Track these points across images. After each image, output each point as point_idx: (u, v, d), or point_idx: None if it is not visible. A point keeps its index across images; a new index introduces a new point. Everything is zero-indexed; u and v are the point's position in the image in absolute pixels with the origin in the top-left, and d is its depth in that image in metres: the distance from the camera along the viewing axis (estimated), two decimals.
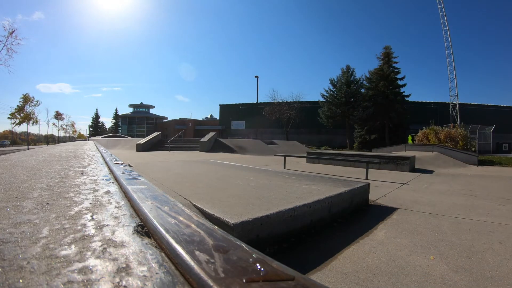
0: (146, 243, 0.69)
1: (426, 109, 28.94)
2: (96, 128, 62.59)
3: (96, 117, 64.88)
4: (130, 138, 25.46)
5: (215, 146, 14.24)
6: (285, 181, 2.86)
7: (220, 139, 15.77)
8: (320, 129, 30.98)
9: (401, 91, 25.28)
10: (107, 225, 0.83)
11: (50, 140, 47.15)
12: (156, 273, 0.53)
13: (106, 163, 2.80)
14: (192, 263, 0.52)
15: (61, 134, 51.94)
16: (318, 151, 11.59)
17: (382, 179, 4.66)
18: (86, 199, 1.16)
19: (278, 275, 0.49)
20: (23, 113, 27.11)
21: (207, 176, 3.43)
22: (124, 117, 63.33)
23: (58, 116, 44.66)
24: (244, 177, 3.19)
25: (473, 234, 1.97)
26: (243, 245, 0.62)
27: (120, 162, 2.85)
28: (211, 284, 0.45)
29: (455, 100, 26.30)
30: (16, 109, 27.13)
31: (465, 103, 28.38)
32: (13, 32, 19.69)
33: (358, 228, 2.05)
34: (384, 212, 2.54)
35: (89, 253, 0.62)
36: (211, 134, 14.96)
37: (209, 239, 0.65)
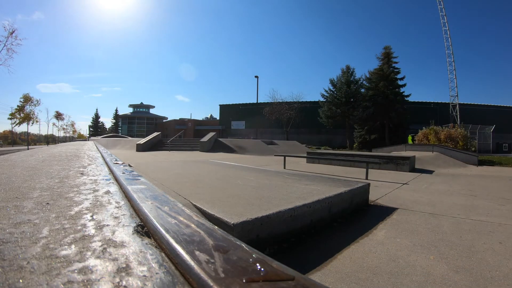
0: (146, 243, 0.69)
1: (426, 109, 28.93)
2: (96, 128, 62.60)
3: (96, 117, 64.91)
4: (130, 138, 25.46)
5: (215, 146, 14.24)
6: (285, 181, 2.86)
7: (220, 139, 15.77)
8: (320, 129, 30.98)
9: (401, 91, 25.28)
10: (107, 225, 0.83)
11: (50, 140, 47.17)
12: (156, 273, 0.53)
13: (106, 163, 2.80)
14: (192, 263, 0.52)
15: (61, 134, 52.02)
16: (318, 151, 11.59)
17: (382, 179, 4.66)
18: (86, 199, 1.17)
19: (278, 275, 0.49)
20: (23, 113, 27.13)
21: (207, 176, 3.43)
22: (124, 117, 63.33)
23: (58, 116, 44.71)
24: (244, 177, 3.19)
25: (473, 234, 1.97)
26: (243, 245, 0.62)
27: (120, 162, 2.85)
28: (211, 284, 0.45)
29: (455, 100, 26.31)
30: (16, 109, 27.16)
31: (465, 103, 28.38)
32: (13, 32, 19.73)
33: (358, 228, 2.05)
34: (384, 212, 2.54)
35: (89, 253, 0.62)
36: (211, 134, 14.96)
37: (209, 239, 0.65)
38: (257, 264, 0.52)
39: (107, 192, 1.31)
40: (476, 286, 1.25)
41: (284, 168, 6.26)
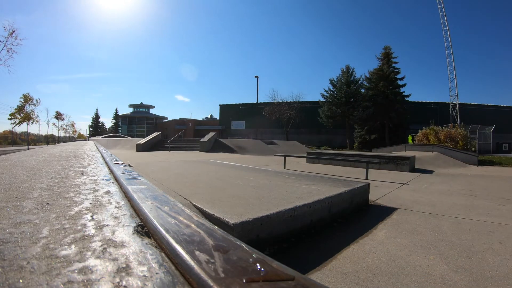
0: (146, 243, 0.69)
1: (426, 109, 28.94)
2: (96, 128, 62.61)
3: (96, 117, 64.92)
4: (130, 138, 25.46)
5: (215, 146, 14.24)
6: (285, 181, 2.86)
7: (220, 139, 15.77)
8: (320, 129, 30.98)
9: (401, 91, 25.29)
10: (107, 225, 0.83)
11: (50, 140, 47.16)
12: (156, 273, 0.53)
13: (106, 163, 2.80)
14: (192, 263, 0.52)
15: (61, 134, 51.99)
16: (318, 151, 11.59)
17: (382, 179, 4.66)
18: (86, 199, 1.17)
19: (278, 275, 0.49)
20: (23, 113, 27.12)
21: (207, 176, 3.43)
22: (124, 117, 63.33)
23: (58, 116, 44.69)
24: (244, 177, 3.19)
25: (473, 234, 1.97)
26: (243, 245, 0.62)
27: (120, 162, 2.85)
28: (211, 284, 0.45)
29: (455, 100, 26.31)
30: (16, 109, 27.14)
31: (465, 103, 28.39)
32: (13, 32, 19.70)
33: (358, 228, 2.05)
34: (384, 212, 2.54)
35: (89, 253, 0.62)
36: (211, 134, 14.96)
37: (209, 239, 0.65)
38: (257, 264, 0.52)
39: (107, 192, 1.31)
40: (476, 286, 1.25)
41: (284, 168, 6.26)
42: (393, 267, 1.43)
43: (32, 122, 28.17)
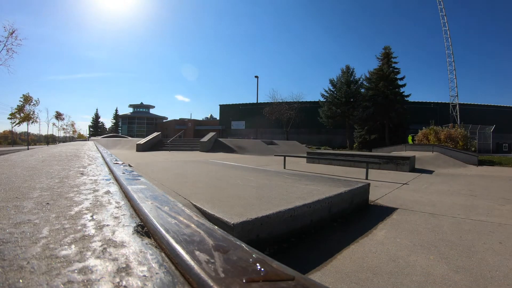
0: (146, 243, 0.69)
1: (426, 109, 28.93)
2: (96, 128, 62.61)
3: (96, 117, 64.91)
4: (130, 138, 25.46)
5: (215, 146, 14.24)
6: (285, 181, 2.86)
7: (220, 139, 15.77)
8: (320, 129, 30.98)
9: (401, 91, 25.29)
10: (107, 225, 0.83)
11: (50, 140, 47.12)
12: (156, 273, 0.53)
13: (106, 163, 2.80)
14: (192, 263, 0.52)
15: (61, 134, 51.96)
16: (318, 151, 11.59)
17: (382, 179, 4.66)
18: (86, 199, 1.17)
19: (278, 275, 0.49)
20: (23, 113, 27.10)
21: (207, 176, 3.43)
22: (124, 117, 63.33)
23: (58, 116, 44.65)
24: (244, 177, 3.19)
25: (473, 234, 1.97)
26: (243, 245, 0.62)
27: (120, 162, 2.85)
28: (211, 284, 0.45)
29: (455, 100, 26.31)
30: (16, 109, 27.12)
31: (465, 103, 28.39)
32: (13, 32, 19.67)
33: (358, 228, 2.05)
34: (384, 212, 2.54)
35: (89, 253, 0.62)
36: (211, 134, 14.96)
37: (209, 239, 0.65)
38: (257, 264, 0.52)
39: (107, 192, 1.31)
40: (476, 286, 1.25)
41: (284, 168, 6.26)
42: (393, 267, 1.43)
43: (32, 122, 28.15)
